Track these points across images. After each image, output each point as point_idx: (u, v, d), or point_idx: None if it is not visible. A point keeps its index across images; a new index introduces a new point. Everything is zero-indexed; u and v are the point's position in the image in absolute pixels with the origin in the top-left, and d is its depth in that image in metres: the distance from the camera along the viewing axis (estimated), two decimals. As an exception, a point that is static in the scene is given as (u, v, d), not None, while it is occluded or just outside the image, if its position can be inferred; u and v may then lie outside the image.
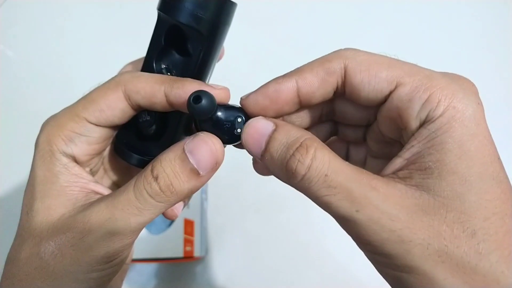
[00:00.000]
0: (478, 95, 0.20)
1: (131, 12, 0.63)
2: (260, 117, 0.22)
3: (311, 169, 0.19)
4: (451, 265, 0.18)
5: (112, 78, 0.24)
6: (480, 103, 0.20)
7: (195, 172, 0.22)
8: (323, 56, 0.22)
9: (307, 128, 0.26)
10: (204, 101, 0.21)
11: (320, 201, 0.20)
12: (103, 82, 0.24)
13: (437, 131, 0.19)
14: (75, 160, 0.24)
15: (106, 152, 0.28)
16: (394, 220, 0.18)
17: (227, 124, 0.23)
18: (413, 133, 0.20)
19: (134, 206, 0.21)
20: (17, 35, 0.63)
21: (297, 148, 0.20)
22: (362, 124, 0.25)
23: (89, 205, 0.22)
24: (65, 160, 0.23)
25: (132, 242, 0.23)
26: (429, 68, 0.21)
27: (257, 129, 0.22)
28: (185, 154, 0.21)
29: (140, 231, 0.23)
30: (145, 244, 0.46)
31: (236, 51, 0.60)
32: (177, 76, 0.25)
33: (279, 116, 0.24)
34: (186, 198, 0.23)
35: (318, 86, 0.22)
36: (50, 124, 0.24)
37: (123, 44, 0.61)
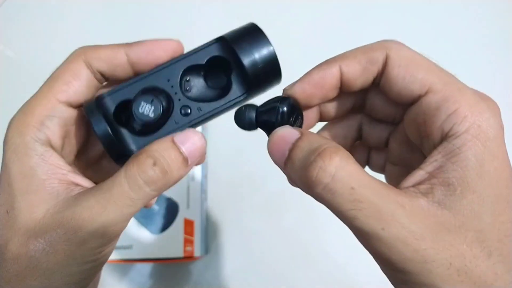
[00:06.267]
0: (501, 118, 0.20)
1: (132, 12, 0.63)
2: (286, 126, 0.22)
3: (335, 179, 0.18)
4: (469, 284, 0.18)
5: (71, 54, 0.24)
6: (502, 126, 0.20)
7: (186, 161, 0.23)
8: (367, 45, 0.22)
9: (339, 118, 0.27)
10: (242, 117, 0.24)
11: (343, 215, 0.19)
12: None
13: (461, 147, 0.19)
14: (50, 145, 0.23)
15: (77, 146, 0.27)
16: (419, 239, 0.18)
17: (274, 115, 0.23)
18: (434, 143, 0.20)
19: (128, 197, 0.21)
20: (17, 35, 0.63)
21: (319, 154, 0.19)
22: (388, 121, 0.26)
23: (75, 200, 0.22)
24: (40, 149, 0.22)
25: (123, 229, 0.23)
26: (463, 82, 0.21)
27: (282, 137, 0.21)
28: (177, 144, 0.22)
29: (130, 219, 0.23)
30: (145, 244, 0.47)
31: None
32: (191, 97, 0.25)
33: (323, 102, 0.24)
34: (170, 187, 0.23)
35: (360, 74, 0.22)
36: (17, 118, 0.23)
37: (123, 44, 0.61)
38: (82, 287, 0.23)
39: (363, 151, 0.29)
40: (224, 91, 0.25)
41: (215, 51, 0.25)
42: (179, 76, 0.25)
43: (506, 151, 0.20)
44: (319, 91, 0.23)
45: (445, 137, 0.20)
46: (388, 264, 0.19)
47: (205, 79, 0.26)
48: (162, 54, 0.24)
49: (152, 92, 0.24)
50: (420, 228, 0.18)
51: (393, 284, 0.20)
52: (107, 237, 0.22)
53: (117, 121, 0.24)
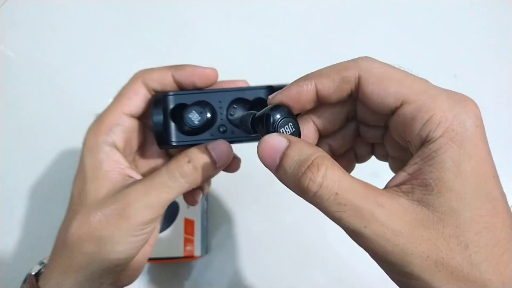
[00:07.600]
0: (479, 117, 0.21)
1: (131, 12, 0.63)
2: (274, 133, 0.24)
3: (322, 188, 0.21)
4: (447, 273, 0.20)
5: (132, 76, 0.32)
6: (479, 126, 0.21)
7: (215, 163, 0.30)
8: (341, 63, 0.24)
9: (339, 128, 0.29)
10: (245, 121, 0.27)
11: (331, 216, 0.21)
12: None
13: (437, 151, 0.21)
14: (115, 146, 0.31)
15: (135, 149, 0.34)
16: (397, 235, 0.20)
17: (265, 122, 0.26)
18: (416, 148, 0.22)
19: (165, 185, 0.29)
20: (17, 35, 0.63)
21: (308, 166, 0.21)
22: (380, 125, 0.27)
23: (126, 187, 0.29)
24: (107, 148, 0.30)
25: (160, 216, 0.30)
26: (438, 87, 0.22)
27: (272, 145, 0.23)
28: (209, 150, 0.30)
29: (166, 206, 0.30)
30: (145, 243, 0.46)
31: (236, 50, 0.60)
32: (231, 120, 0.32)
33: (301, 111, 0.27)
34: (202, 183, 0.30)
35: (334, 91, 0.24)
36: (94, 124, 0.31)
37: (123, 45, 0.61)
38: (126, 258, 0.29)
39: (366, 144, 0.31)
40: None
41: (261, 94, 0.31)
42: (229, 102, 0.31)
43: (485, 149, 0.21)
44: (296, 104, 0.25)
45: (423, 142, 0.21)
46: (376, 257, 0.22)
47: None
48: (197, 81, 0.31)
49: (203, 106, 0.31)
50: (398, 224, 0.20)
51: (387, 274, 0.22)
52: (147, 216, 0.28)
53: (172, 116, 0.31)
